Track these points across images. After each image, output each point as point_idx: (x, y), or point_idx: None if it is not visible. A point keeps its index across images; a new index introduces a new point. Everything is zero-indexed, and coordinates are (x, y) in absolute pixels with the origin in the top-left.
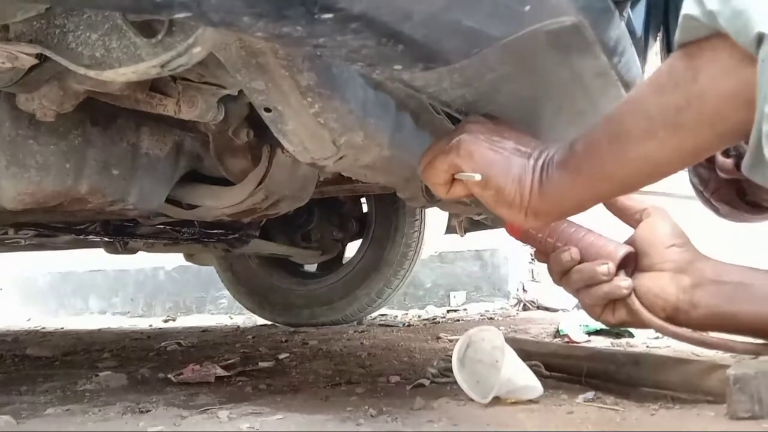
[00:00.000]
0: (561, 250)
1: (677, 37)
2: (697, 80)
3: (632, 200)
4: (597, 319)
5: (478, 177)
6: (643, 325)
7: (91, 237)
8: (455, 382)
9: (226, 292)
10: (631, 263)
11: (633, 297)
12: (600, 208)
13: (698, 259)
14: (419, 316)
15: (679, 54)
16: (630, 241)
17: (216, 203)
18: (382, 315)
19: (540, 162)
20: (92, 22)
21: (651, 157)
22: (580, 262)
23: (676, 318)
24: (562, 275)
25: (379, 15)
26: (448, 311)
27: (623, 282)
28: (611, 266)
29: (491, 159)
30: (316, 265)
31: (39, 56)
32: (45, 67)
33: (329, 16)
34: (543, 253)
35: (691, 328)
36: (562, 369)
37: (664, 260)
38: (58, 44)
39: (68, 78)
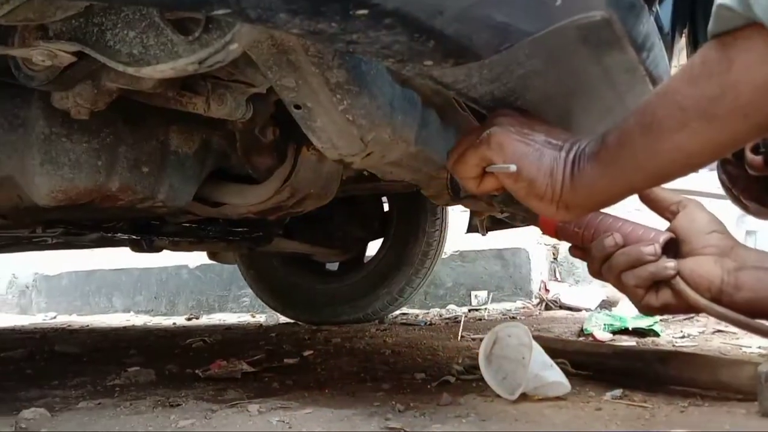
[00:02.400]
0: (604, 236)
1: (710, 27)
2: (731, 70)
3: (666, 192)
4: (639, 302)
5: (513, 168)
6: (688, 306)
7: (118, 235)
8: (481, 379)
9: (249, 291)
10: (672, 251)
11: (678, 278)
12: (631, 203)
13: (739, 245)
14: (440, 315)
15: (712, 44)
16: (669, 230)
17: (242, 201)
18: (404, 314)
19: (572, 154)
20: (130, 20)
21: (684, 148)
22: (622, 247)
23: (719, 301)
24: (603, 261)
25: (412, 11)
26: (469, 310)
27: (669, 263)
28: (657, 247)
29: (523, 151)
30: (337, 263)
31: (76, 54)
32: (80, 65)
33: (364, 12)
34: (579, 247)
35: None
36: (589, 366)
37: (706, 245)
38: (97, 42)
39: (102, 76)
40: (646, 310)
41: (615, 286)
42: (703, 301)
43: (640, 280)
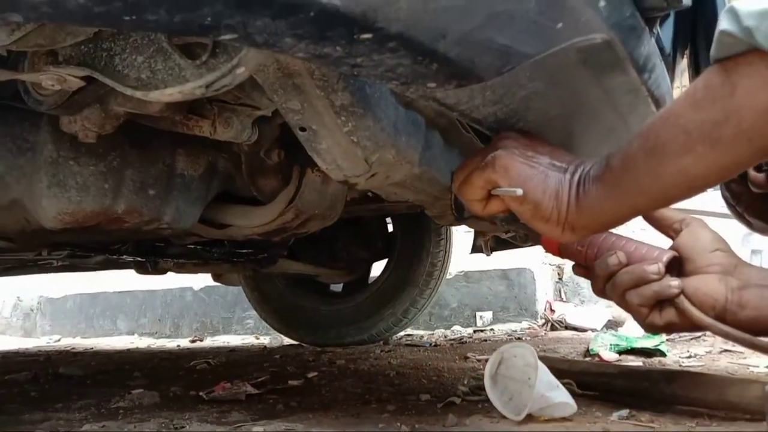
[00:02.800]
0: (608, 254)
1: (713, 52)
2: (734, 95)
3: (670, 210)
4: (643, 321)
5: (519, 192)
6: (692, 325)
7: (123, 257)
8: (487, 400)
9: (253, 312)
10: (675, 269)
11: (682, 297)
12: (636, 223)
13: (742, 263)
14: (445, 336)
15: (715, 69)
16: (672, 249)
17: (247, 222)
18: (408, 335)
19: (576, 176)
20: (138, 45)
21: (688, 172)
22: (626, 266)
23: (723, 319)
24: (606, 280)
25: (415, 34)
26: (474, 331)
27: (673, 282)
28: (661, 266)
29: (527, 174)
30: (342, 284)
31: (85, 79)
32: (88, 89)
33: (368, 36)
34: (582, 265)
35: None
36: (595, 387)
37: (710, 263)
38: (106, 67)
39: (110, 100)
40: (651, 329)
41: (619, 304)
42: (707, 320)
43: (643, 299)
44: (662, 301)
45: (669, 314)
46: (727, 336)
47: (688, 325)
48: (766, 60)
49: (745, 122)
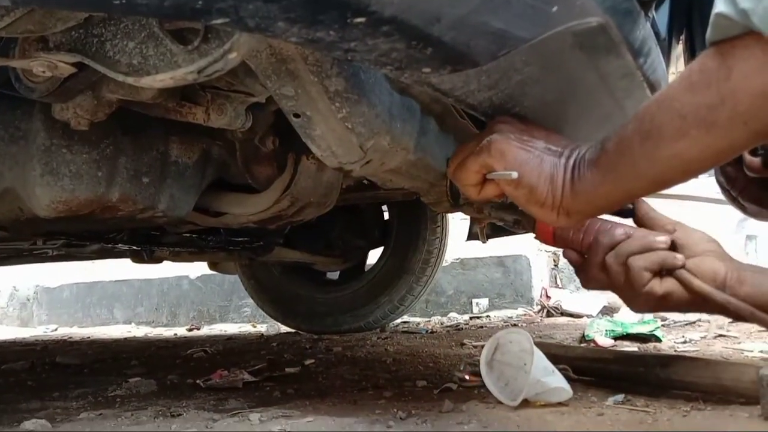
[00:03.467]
0: (614, 227)
1: (708, 35)
2: (730, 78)
3: (661, 214)
4: (642, 287)
5: (514, 175)
6: (691, 296)
7: (119, 246)
8: (483, 386)
9: (249, 301)
10: None
11: (684, 270)
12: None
13: (734, 259)
14: (442, 323)
15: (711, 52)
16: None
17: (242, 210)
18: (405, 322)
19: (571, 161)
20: (129, 31)
21: (684, 156)
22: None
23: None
24: (609, 249)
25: (409, 18)
26: (470, 318)
27: (678, 254)
28: (668, 238)
29: (523, 158)
30: (338, 272)
31: (76, 65)
32: (80, 76)
33: (361, 20)
34: (577, 251)
35: None
36: (590, 372)
37: (706, 250)
38: (97, 53)
39: (102, 87)
40: (645, 300)
41: (615, 276)
42: (708, 288)
43: (649, 263)
44: (663, 273)
45: (669, 283)
46: (727, 304)
47: (685, 299)
48: (763, 43)
49: (740, 105)
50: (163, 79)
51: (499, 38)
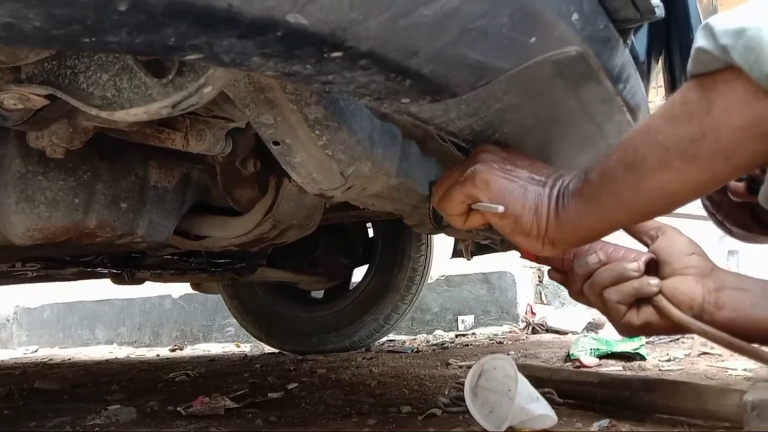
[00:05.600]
0: (587, 254)
1: (690, 68)
2: (711, 112)
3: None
4: (620, 320)
5: (501, 209)
6: (669, 324)
7: (98, 269)
8: (468, 412)
9: (233, 320)
10: (652, 272)
11: (661, 296)
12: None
13: (717, 268)
14: (427, 341)
15: (692, 85)
16: (649, 253)
17: (223, 234)
18: (390, 341)
19: (555, 190)
20: (103, 63)
21: (667, 187)
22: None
23: (700, 319)
24: (585, 279)
25: (387, 52)
26: (456, 336)
27: (652, 280)
28: (640, 264)
29: (507, 188)
30: (322, 291)
31: (49, 96)
32: (54, 105)
33: (338, 54)
34: (559, 270)
35: None
36: (575, 395)
37: (686, 266)
38: (69, 85)
39: (78, 115)
40: (626, 330)
41: (596, 305)
42: (686, 318)
43: (622, 295)
44: (640, 301)
45: (646, 313)
46: (704, 334)
47: (664, 326)
48: (743, 78)
49: (722, 140)
50: (137, 114)
51: (477, 69)
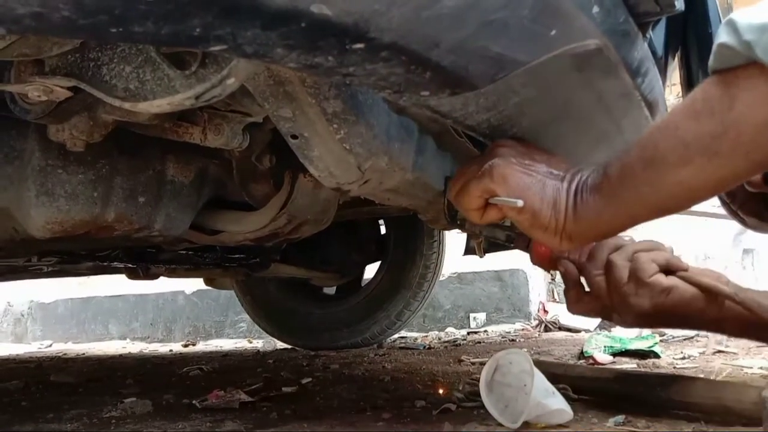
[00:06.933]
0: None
1: (711, 63)
2: (733, 108)
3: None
4: (649, 276)
5: (520, 203)
6: (695, 294)
7: (114, 264)
8: (482, 407)
9: (246, 316)
10: None
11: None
12: None
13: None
14: (439, 338)
15: (714, 80)
16: None
17: (239, 228)
18: (402, 337)
19: (574, 185)
20: (126, 55)
21: (686, 183)
22: None
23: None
24: (614, 249)
25: (408, 43)
26: (468, 333)
27: (682, 260)
28: (671, 246)
29: (525, 183)
30: (335, 287)
31: (72, 88)
32: (76, 98)
33: (360, 45)
34: (574, 261)
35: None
36: (591, 392)
37: (705, 268)
38: (93, 77)
39: (98, 109)
40: (649, 292)
41: (617, 273)
42: (714, 283)
43: (656, 257)
44: (667, 273)
45: (674, 280)
46: (734, 296)
47: (686, 298)
48: (766, 74)
49: (743, 136)
50: (160, 105)
51: (497, 62)
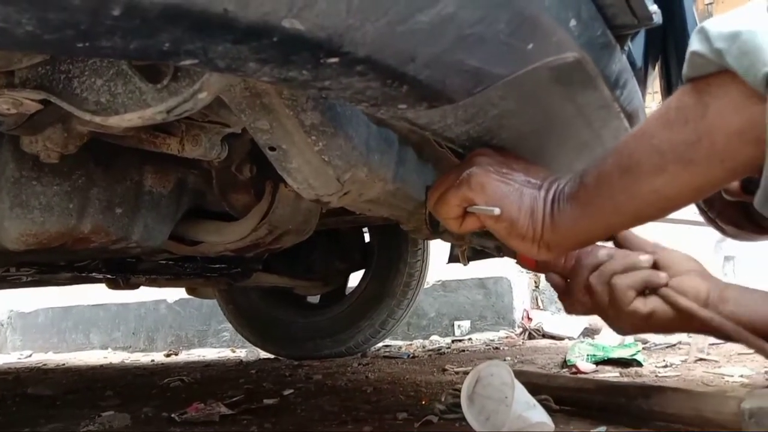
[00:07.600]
0: (596, 249)
1: (685, 71)
2: (706, 116)
3: (641, 238)
4: (627, 305)
5: (497, 211)
6: (676, 312)
7: (93, 274)
8: (464, 419)
9: (228, 325)
10: None
11: (668, 288)
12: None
13: (718, 279)
14: (424, 347)
15: (687, 89)
16: None
17: (219, 239)
18: (387, 346)
19: (551, 194)
20: (97, 68)
21: (662, 191)
22: None
23: None
24: (593, 269)
25: (384, 58)
26: (452, 341)
27: (661, 273)
28: (650, 257)
29: (503, 191)
30: (318, 296)
31: (43, 101)
32: (49, 109)
33: (335, 60)
34: (560, 275)
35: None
36: (573, 402)
37: (689, 269)
38: (63, 90)
39: (72, 120)
40: (630, 320)
41: (600, 295)
42: (692, 305)
43: (633, 282)
44: (647, 293)
45: (653, 302)
46: (711, 321)
47: (669, 318)
48: (737, 82)
49: (717, 144)
50: (131, 119)
51: (474, 75)
